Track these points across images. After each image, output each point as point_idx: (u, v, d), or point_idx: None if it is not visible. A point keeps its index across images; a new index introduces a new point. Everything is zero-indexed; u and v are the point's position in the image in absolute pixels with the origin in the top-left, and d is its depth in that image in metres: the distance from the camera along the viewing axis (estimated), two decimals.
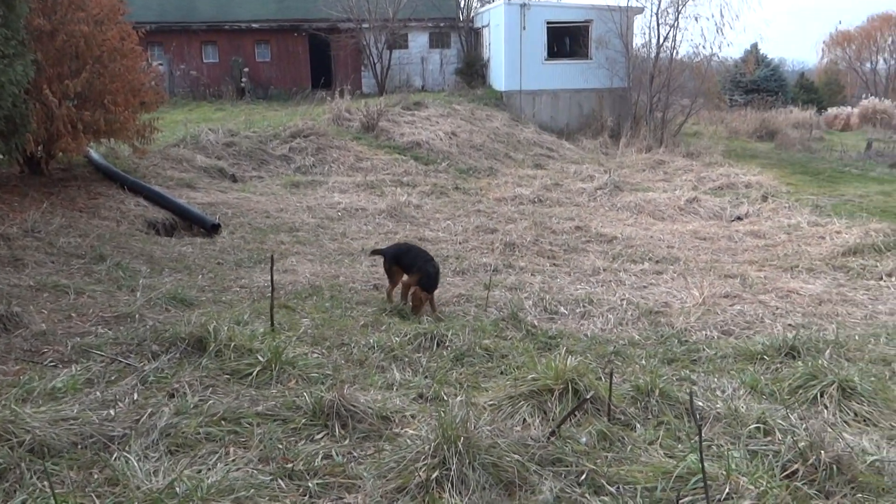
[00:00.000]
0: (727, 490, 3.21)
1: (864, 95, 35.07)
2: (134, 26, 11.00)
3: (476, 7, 28.56)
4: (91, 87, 9.80)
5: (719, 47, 24.97)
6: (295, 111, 19.43)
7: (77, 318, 5.53)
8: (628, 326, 6.42)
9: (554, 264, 9.01)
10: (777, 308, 7.07)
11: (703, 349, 5.67)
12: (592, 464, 3.47)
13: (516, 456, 3.40)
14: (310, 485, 3.22)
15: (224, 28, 26.82)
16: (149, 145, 11.61)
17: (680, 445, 3.77)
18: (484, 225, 11.03)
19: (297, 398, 4.04)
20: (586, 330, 6.27)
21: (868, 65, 43.18)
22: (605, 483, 3.33)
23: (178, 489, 3.05)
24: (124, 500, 3.00)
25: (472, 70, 26.39)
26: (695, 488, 3.23)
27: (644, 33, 26.07)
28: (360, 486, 3.24)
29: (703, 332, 6.20)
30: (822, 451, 3.39)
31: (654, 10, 22.33)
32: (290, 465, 3.36)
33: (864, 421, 4.22)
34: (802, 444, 3.49)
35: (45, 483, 3.04)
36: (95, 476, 3.19)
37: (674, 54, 22.32)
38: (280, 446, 3.54)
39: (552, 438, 3.65)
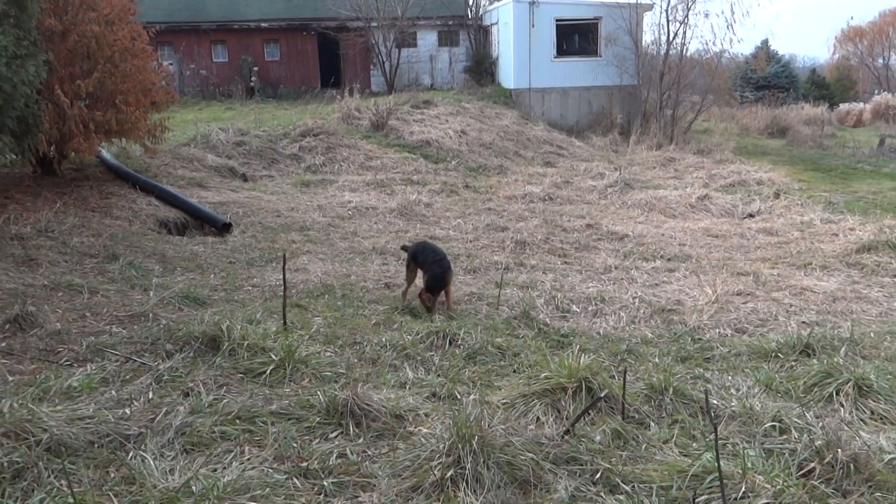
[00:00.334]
0: (743, 489, 3.19)
1: (876, 91, 34.74)
2: (144, 26, 11.04)
3: (485, 5, 28.51)
4: (102, 87, 9.85)
5: (730, 43, 24.73)
6: (304, 110, 19.46)
7: (91, 318, 5.57)
8: (641, 324, 6.39)
9: (565, 262, 8.99)
10: (791, 306, 7.02)
11: (717, 347, 5.64)
12: (607, 462, 3.46)
13: (531, 454, 3.40)
14: (325, 483, 3.23)
15: (233, 27, 26.91)
16: (160, 145, 11.66)
17: (695, 444, 3.76)
18: (494, 223, 11.01)
19: (310, 397, 4.05)
20: (599, 328, 6.25)
21: (880, 60, 42.78)
22: (619, 482, 3.32)
23: (194, 488, 3.07)
24: (141, 498, 3.02)
25: (481, 68, 26.35)
26: (710, 487, 3.21)
27: (653, 30, 26.01)
28: (374, 485, 3.25)
29: (717, 330, 6.17)
30: (839, 450, 3.37)
31: (664, 6, 22.29)
32: (304, 464, 3.37)
33: (881, 419, 4.18)
34: (819, 442, 3.47)
35: (63, 482, 3.06)
36: (112, 475, 3.21)
37: (684, 51, 22.21)
38: (295, 445, 3.54)
39: (566, 437, 3.64)
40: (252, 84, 26.09)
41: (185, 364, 4.51)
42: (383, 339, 5.33)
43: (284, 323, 5.43)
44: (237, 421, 3.76)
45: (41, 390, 4.00)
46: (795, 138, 23.13)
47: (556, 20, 23.14)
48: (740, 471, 3.30)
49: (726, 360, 5.34)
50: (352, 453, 3.50)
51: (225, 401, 3.97)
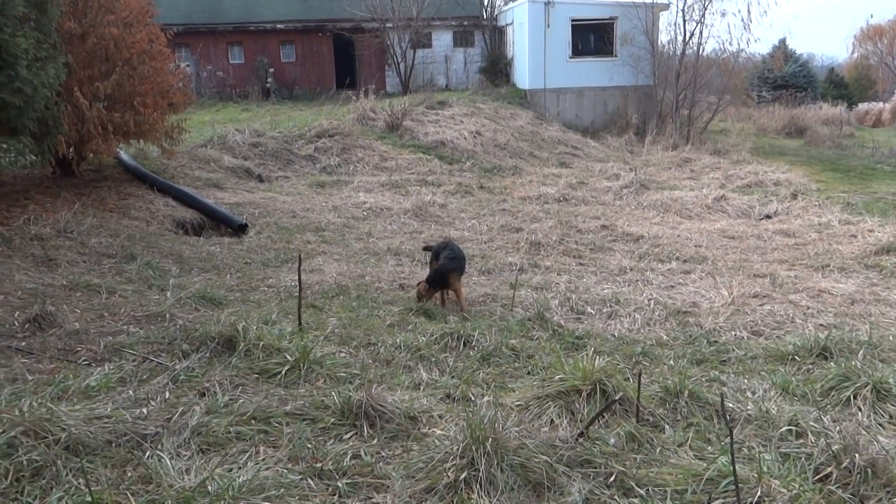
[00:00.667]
0: (759, 493, 3.17)
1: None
2: (162, 28, 11.14)
3: (500, 5, 28.50)
4: (121, 88, 9.94)
5: (747, 43, 24.55)
6: (320, 111, 19.55)
7: (109, 318, 5.63)
8: (656, 326, 6.36)
9: (580, 264, 8.96)
10: (808, 308, 6.96)
11: (733, 350, 5.60)
12: (621, 465, 3.45)
13: (544, 457, 3.40)
14: (339, 484, 3.24)
15: (250, 29, 27.07)
16: (177, 146, 11.76)
17: (710, 447, 3.74)
18: (509, 224, 11.00)
19: (325, 398, 4.07)
20: (613, 330, 6.23)
21: None
22: (634, 485, 3.31)
23: (209, 488, 3.09)
24: (157, 498, 3.05)
25: (496, 68, 26.33)
26: (725, 491, 3.19)
27: (669, 30, 25.86)
28: (388, 486, 3.26)
29: (733, 333, 6.13)
30: (857, 454, 3.34)
31: (680, 6, 22.14)
32: (319, 465, 3.38)
33: None
34: (836, 446, 3.44)
35: (81, 480, 3.10)
36: (129, 474, 3.24)
37: (700, 51, 22.09)
38: (309, 446, 3.56)
39: (580, 439, 3.64)
40: (268, 85, 26.24)
41: (202, 364, 4.55)
42: (398, 341, 5.34)
43: (300, 323, 5.46)
44: (252, 421, 3.78)
45: (60, 389, 4.05)
46: (813, 138, 22.91)
47: (572, 20, 23.07)
48: (756, 475, 3.28)
49: (742, 362, 5.31)
50: (366, 454, 3.52)
51: (240, 401, 4.00)
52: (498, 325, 5.96)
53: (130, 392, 4.10)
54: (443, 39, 28.04)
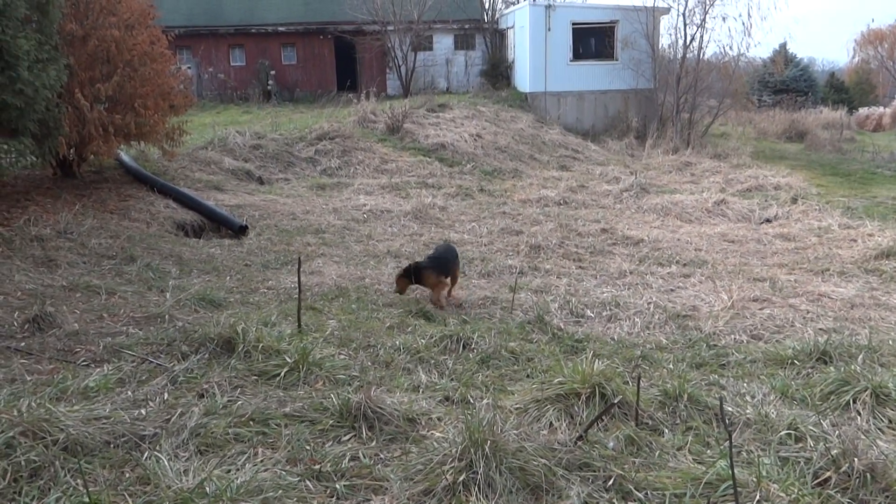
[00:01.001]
0: (758, 497, 3.16)
1: None
2: (163, 30, 11.15)
3: (501, 9, 28.58)
4: (122, 90, 9.96)
5: (746, 48, 24.56)
6: (321, 113, 19.57)
7: (108, 319, 5.63)
8: (655, 330, 6.36)
9: (580, 267, 8.96)
10: (808, 312, 6.95)
11: (732, 353, 5.60)
12: (620, 469, 3.44)
13: (543, 460, 3.39)
14: (337, 486, 3.24)
15: (251, 31, 27.11)
16: (178, 148, 11.76)
17: (709, 451, 3.73)
18: (509, 227, 11.01)
19: (324, 399, 4.07)
20: (613, 333, 6.23)
21: None
22: (633, 489, 3.31)
23: (207, 489, 3.09)
24: (155, 499, 3.04)
25: (497, 72, 26.36)
26: (724, 495, 3.19)
27: (670, 33, 25.86)
28: (386, 488, 3.25)
29: (732, 337, 6.13)
30: (856, 459, 3.33)
31: (681, 10, 22.19)
32: (317, 467, 3.38)
33: None
34: (835, 451, 3.44)
35: (79, 481, 3.09)
36: (127, 475, 3.24)
37: (701, 55, 22.13)
38: (308, 447, 3.56)
39: (579, 443, 3.63)
40: (269, 88, 26.27)
41: (201, 366, 4.55)
42: (397, 343, 5.34)
43: (299, 325, 5.45)
44: (251, 423, 3.78)
45: (59, 390, 4.05)
46: (814, 142, 22.93)
47: (573, 24, 23.11)
48: (755, 479, 3.27)
49: (742, 366, 5.30)
50: (364, 456, 3.51)
51: (239, 402, 4.00)
52: (497, 328, 5.96)
53: (129, 393, 4.10)
54: (444, 42, 28.08)
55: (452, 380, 4.73)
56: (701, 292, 7.70)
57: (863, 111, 31.57)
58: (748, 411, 4.17)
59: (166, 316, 5.68)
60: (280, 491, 3.14)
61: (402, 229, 10.84)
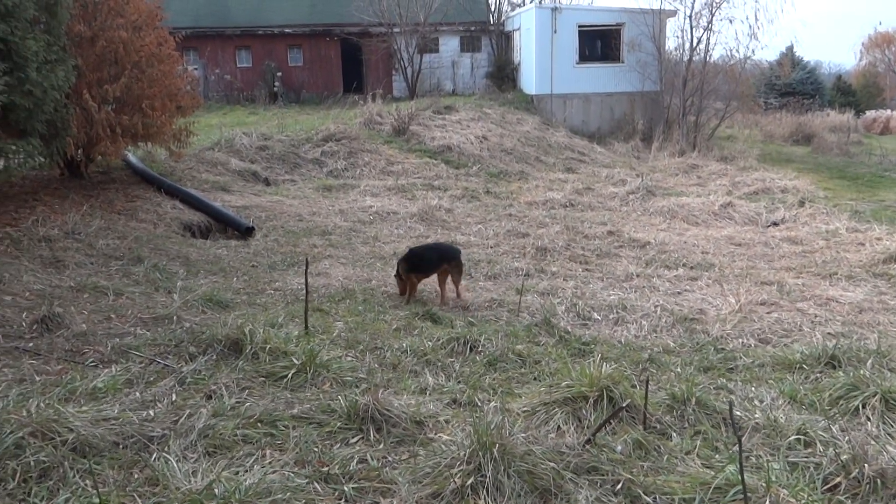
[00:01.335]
0: (767, 502, 3.14)
1: None
2: (171, 32, 11.19)
3: (507, 11, 28.55)
4: (129, 91, 9.99)
5: (752, 51, 24.51)
6: (327, 115, 19.60)
7: (116, 319, 5.64)
8: (663, 333, 6.34)
9: (586, 269, 8.95)
10: (816, 316, 6.93)
11: (740, 357, 5.58)
12: (629, 473, 3.43)
13: (551, 464, 3.38)
14: (345, 489, 3.24)
15: (257, 33, 27.15)
16: (185, 149, 11.80)
17: (718, 456, 3.71)
18: (515, 229, 11.00)
19: (331, 401, 4.06)
20: (620, 336, 6.21)
21: None
22: (641, 493, 3.29)
23: (216, 490, 3.09)
24: (164, 500, 3.05)
25: (503, 74, 26.35)
26: (734, 500, 3.17)
27: (677, 36, 25.83)
28: (395, 491, 3.25)
29: (740, 340, 6.11)
30: (866, 464, 3.31)
31: (688, 12, 22.16)
32: (325, 469, 3.38)
33: None
34: (845, 456, 3.42)
35: (88, 482, 3.10)
36: (136, 476, 3.24)
37: (707, 57, 22.07)
38: (316, 449, 3.56)
39: (587, 446, 3.62)
40: (275, 89, 26.31)
41: (208, 367, 4.55)
42: (404, 345, 5.34)
43: (306, 327, 5.46)
44: (259, 424, 3.78)
45: (67, 391, 4.05)
46: (821, 146, 22.86)
47: (579, 26, 23.09)
48: (764, 484, 3.25)
49: (750, 370, 5.28)
50: (372, 459, 3.51)
51: (247, 404, 4.00)
52: (504, 331, 5.95)
53: (137, 394, 4.11)
54: (450, 44, 28.09)
55: (460, 382, 4.72)
56: (708, 295, 7.67)
57: (870, 114, 31.47)
58: (757, 416, 4.15)
59: (174, 317, 5.69)
60: (288, 493, 3.14)
61: (408, 231, 10.85)
